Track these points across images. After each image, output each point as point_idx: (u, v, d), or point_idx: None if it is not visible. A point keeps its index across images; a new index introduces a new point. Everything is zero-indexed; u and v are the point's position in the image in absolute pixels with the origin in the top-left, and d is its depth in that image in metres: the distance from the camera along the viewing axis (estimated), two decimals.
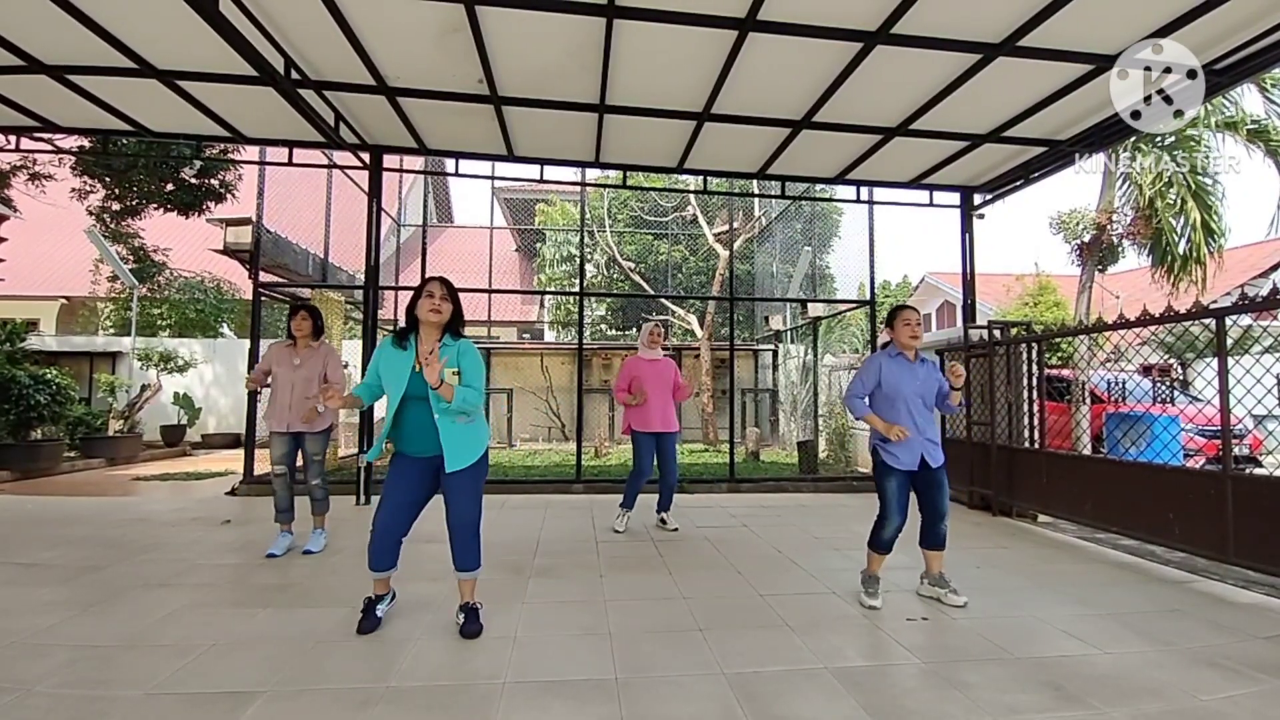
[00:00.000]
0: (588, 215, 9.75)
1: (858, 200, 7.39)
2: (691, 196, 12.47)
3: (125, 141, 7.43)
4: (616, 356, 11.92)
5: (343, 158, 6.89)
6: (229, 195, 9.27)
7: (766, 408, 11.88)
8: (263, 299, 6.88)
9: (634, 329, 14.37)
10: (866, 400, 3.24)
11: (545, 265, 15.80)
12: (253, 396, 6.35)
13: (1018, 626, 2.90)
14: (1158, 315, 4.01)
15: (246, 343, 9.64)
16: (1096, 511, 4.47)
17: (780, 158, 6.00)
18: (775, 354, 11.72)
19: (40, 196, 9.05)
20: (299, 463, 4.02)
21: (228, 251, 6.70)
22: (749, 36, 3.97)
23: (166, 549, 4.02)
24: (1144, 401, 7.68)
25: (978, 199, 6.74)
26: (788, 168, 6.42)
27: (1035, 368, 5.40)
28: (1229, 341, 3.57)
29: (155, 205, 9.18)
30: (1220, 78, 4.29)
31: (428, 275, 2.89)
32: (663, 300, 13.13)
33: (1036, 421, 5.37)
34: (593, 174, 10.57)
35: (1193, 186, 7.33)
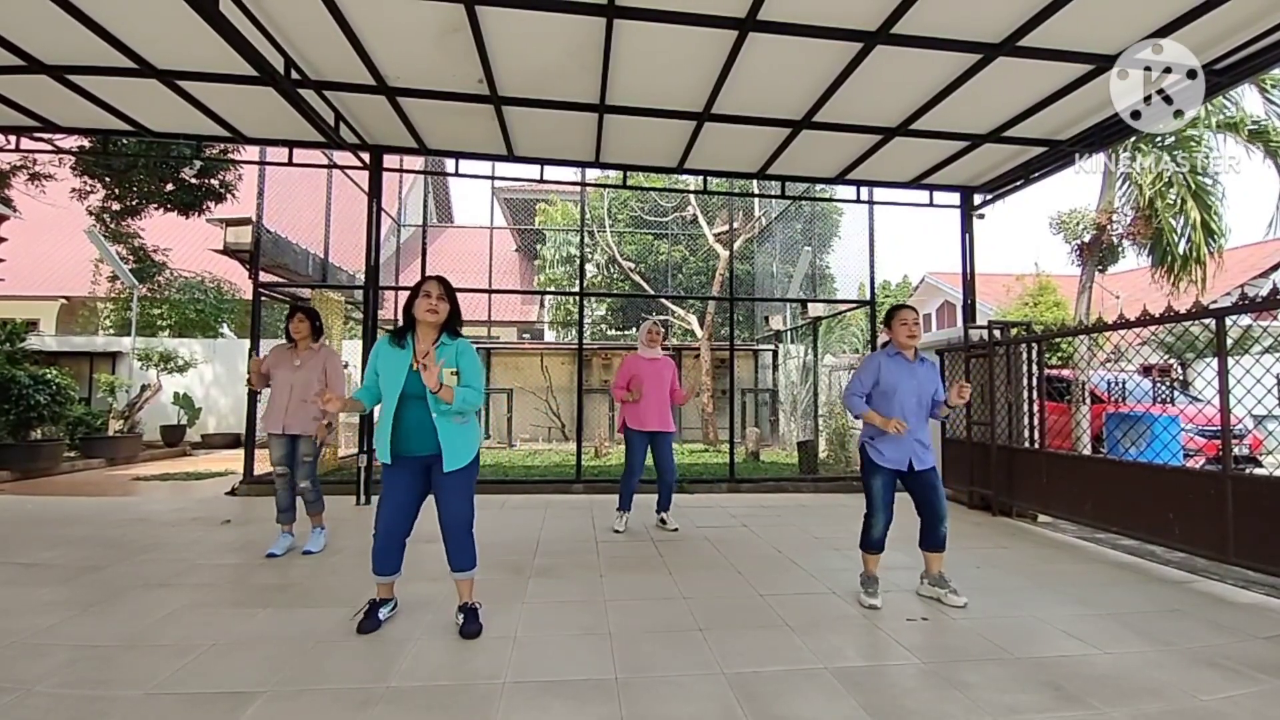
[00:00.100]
0: (588, 215, 9.76)
1: (858, 200, 7.39)
2: (691, 196, 12.48)
3: (125, 141, 7.42)
4: (616, 356, 11.92)
5: (343, 158, 6.89)
6: (229, 195, 9.26)
7: (766, 408, 11.88)
8: (263, 299, 6.89)
9: (634, 329, 14.37)
10: (865, 399, 3.25)
11: (545, 265, 15.80)
12: (253, 396, 6.34)
13: (1018, 626, 2.90)
14: (1158, 315, 4.01)
15: (246, 343, 9.66)
16: (1096, 511, 4.47)
17: (780, 158, 6.00)
18: (775, 354, 11.72)
19: (40, 196, 9.05)
20: None
21: (228, 251, 6.70)
22: (749, 36, 3.97)
23: (166, 549, 4.02)
24: (1144, 401, 7.68)
25: (978, 199, 6.73)
26: (788, 168, 6.42)
27: (1035, 368, 5.40)
28: (1229, 341, 3.57)
29: (155, 205, 9.18)
30: (1220, 78, 4.29)
31: (426, 275, 2.89)
32: (663, 300, 13.13)
33: (1036, 421, 5.37)
34: (593, 174, 10.59)
35: (1193, 187, 7.34)
